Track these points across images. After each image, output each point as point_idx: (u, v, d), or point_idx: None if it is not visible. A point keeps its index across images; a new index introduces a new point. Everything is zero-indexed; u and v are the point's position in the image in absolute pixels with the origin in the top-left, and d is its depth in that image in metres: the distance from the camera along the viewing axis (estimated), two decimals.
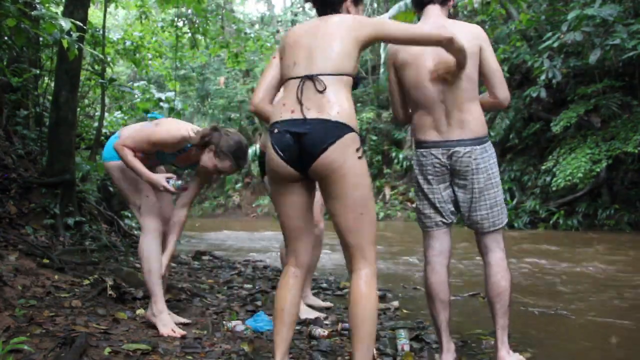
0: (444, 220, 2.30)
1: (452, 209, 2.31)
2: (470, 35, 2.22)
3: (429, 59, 2.21)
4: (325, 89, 1.83)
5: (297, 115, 1.84)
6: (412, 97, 2.29)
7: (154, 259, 2.70)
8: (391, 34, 1.94)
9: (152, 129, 2.69)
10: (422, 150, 2.30)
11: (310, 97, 1.84)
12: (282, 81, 2.01)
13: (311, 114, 1.82)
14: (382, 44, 15.10)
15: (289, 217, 1.96)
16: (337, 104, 1.82)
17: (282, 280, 1.98)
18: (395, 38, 1.97)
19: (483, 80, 2.31)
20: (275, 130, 1.87)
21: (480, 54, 2.23)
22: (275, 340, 1.94)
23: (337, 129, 1.80)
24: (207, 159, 2.66)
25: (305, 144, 1.81)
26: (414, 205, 15.37)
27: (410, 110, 2.38)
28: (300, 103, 1.84)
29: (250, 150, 18.33)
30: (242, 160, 2.67)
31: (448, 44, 1.96)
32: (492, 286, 2.28)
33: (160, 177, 2.62)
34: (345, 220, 1.86)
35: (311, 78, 1.85)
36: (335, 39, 1.88)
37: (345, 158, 1.81)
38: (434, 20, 2.29)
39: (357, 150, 1.84)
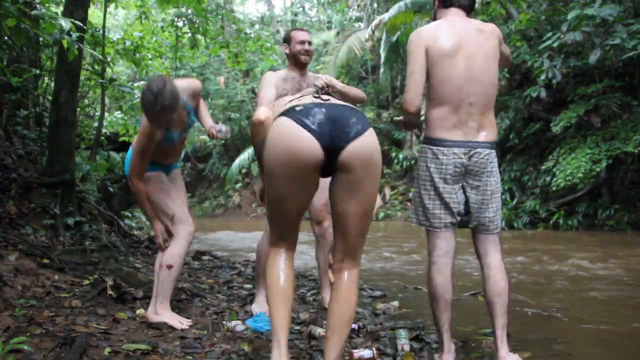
0: (453, 221, 2.31)
1: (462, 210, 2.31)
2: (495, 38, 2.30)
3: (473, 57, 2.22)
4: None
5: (319, 101, 1.79)
6: (438, 92, 2.25)
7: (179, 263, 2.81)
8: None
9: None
10: (442, 148, 2.26)
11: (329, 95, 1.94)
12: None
13: (334, 101, 1.83)
14: (382, 44, 15.11)
15: (294, 208, 1.86)
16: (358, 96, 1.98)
17: (272, 261, 1.89)
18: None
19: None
20: (299, 108, 1.74)
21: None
22: (277, 325, 1.80)
23: (365, 118, 1.79)
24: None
25: (339, 122, 1.69)
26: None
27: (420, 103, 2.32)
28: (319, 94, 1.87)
29: (250, 151, 18.34)
30: (156, 101, 2.40)
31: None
32: (493, 287, 2.30)
33: (158, 232, 2.80)
34: (356, 213, 1.80)
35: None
36: None
37: (376, 147, 1.76)
38: (452, 19, 2.32)
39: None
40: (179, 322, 2.70)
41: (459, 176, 2.28)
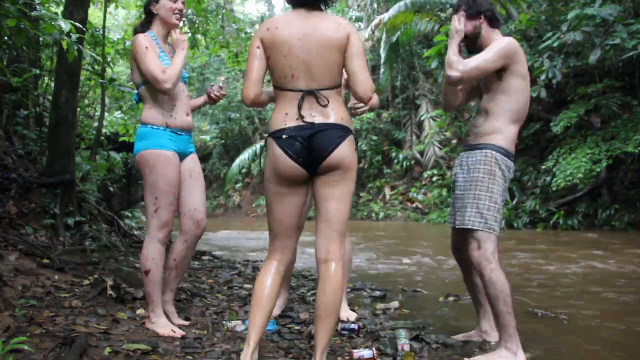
0: None
1: None
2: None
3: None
4: (327, 103, 2.03)
5: (304, 122, 2.01)
6: (520, 108, 2.48)
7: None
8: (349, 63, 2.05)
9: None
10: (511, 162, 2.48)
11: (314, 107, 2.03)
12: (275, 86, 2.10)
13: (318, 120, 2.02)
14: (382, 44, 15.11)
15: (288, 216, 2.10)
16: (338, 113, 2.05)
17: (264, 271, 2.10)
18: (350, 65, 2.06)
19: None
20: (284, 136, 2.02)
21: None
22: (252, 326, 2.02)
23: (342, 130, 2.04)
24: (161, 11, 2.77)
25: (315, 144, 1.99)
26: (414, 206, 15.43)
27: (496, 117, 2.48)
28: (303, 114, 2.02)
29: (250, 151, 18.34)
30: None
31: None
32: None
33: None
34: (338, 207, 2.05)
35: (313, 93, 2.02)
36: (329, 53, 2.01)
37: (353, 154, 2.06)
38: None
39: (355, 150, 2.10)
40: (172, 330, 2.61)
41: None
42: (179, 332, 2.60)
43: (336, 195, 2.04)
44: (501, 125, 2.45)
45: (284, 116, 2.03)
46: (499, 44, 2.41)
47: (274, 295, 2.07)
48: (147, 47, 2.65)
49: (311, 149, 1.99)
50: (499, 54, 2.38)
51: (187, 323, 2.86)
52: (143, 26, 2.83)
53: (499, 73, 2.43)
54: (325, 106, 2.02)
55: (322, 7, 2.10)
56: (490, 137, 2.45)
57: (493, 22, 2.52)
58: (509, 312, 2.33)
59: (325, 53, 2.00)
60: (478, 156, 2.45)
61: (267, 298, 2.04)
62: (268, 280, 2.06)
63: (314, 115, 2.01)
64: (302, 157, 2.00)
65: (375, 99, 3.24)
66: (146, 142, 2.67)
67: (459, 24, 2.48)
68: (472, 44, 2.55)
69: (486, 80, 2.52)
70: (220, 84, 2.96)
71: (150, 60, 2.61)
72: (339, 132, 2.01)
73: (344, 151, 2.01)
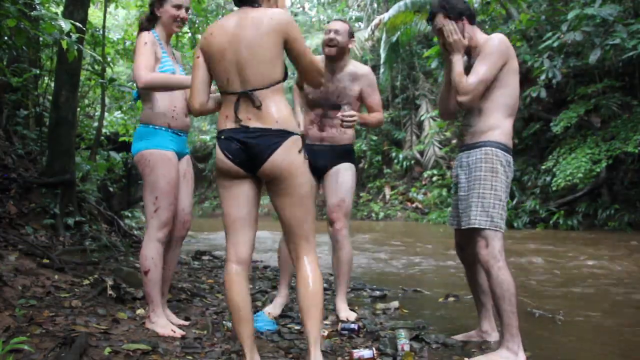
0: None
1: None
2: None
3: None
4: (261, 104, 1.99)
5: (240, 126, 2.01)
6: (514, 102, 2.45)
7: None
8: (295, 47, 2.04)
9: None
10: (511, 157, 2.46)
11: (250, 109, 2.01)
12: (219, 91, 2.13)
13: (253, 124, 2.00)
14: (382, 44, 15.11)
15: (234, 208, 2.09)
16: (275, 113, 2.00)
17: (227, 280, 2.09)
18: (295, 52, 2.06)
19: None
20: (222, 137, 2.06)
21: None
22: (241, 339, 2.06)
23: (279, 136, 1.99)
24: (165, 15, 2.74)
25: (251, 150, 1.99)
26: (414, 206, 15.41)
27: (490, 113, 2.46)
28: (239, 117, 2.01)
29: None
30: None
31: None
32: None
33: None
34: (293, 214, 2.05)
35: (247, 94, 2.00)
36: (260, 50, 1.97)
37: (291, 159, 2.00)
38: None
39: (300, 151, 2.03)
40: (172, 330, 2.61)
41: None
42: (179, 332, 2.60)
43: (287, 203, 2.05)
44: (497, 120, 2.43)
45: (225, 119, 2.07)
46: (494, 46, 2.39)
47: (247, 299, 2.07)
48: (146, 43, 2.65)
49: (248, 153, 2.00)
50: (497, 57, 2.38)
51: (187, 323, 2.86)
52: (149, 22, 2.81)
53: None
54: (259, 107, 1.99)
55: (256, 3, 2.08)
56: (487, 134, 2.43)
57: (472, 20, 2.51)
58: (513, 311, 2.32)
59: (256, 50, 1.97)
60: (478, 154, 2.44)
61: (241, 306, 2.05)
62: (234, 289, 2.06)
63: (250, 118, 2.00)
64: (239, 158, 2.02)
65: (380, 115, 3.26)
66: (147, 141, 2.67)
67: (456, 36, 2.45)
68: None
69: None
70: None
71: (141, 56, 2.61)
72: (272, 138, 1.98)
73: (278, 159, 1.98)
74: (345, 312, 3.12)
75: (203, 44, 2.09)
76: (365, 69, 3.25)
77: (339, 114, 3.00)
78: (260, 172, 2.03)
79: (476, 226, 2.40)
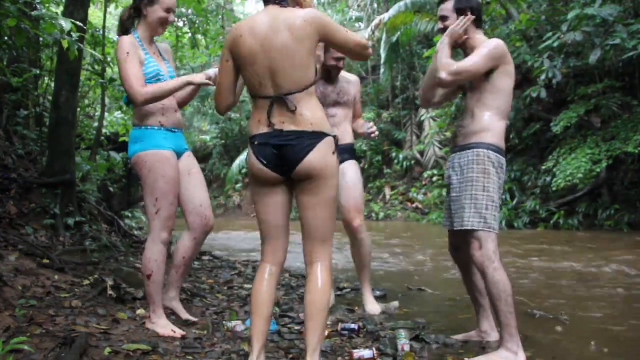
0: None
1: None
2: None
3: None
4: (296, 108, 1.98)
5: (273, 129, 2.01)
6: (506, 105, 2.48)
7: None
8: (336, 40, 2.05)
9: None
10: (503, 159, 2.47)
11: (284, 113, 2.00)
12: (249, 93, 2.12)
13: (287, 127, 1.99)
14: (382, 44, 15.10)
15: (271, 216, 2.11)
16: (309, 116, 1.99)
17: (258, 276, 2.12)
18: (337, 44, 2.08)
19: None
20: (256, 142, 2.06)
21: None
22: (253, 333, 2.06)
23: (314, 138, 1.99)
24: (151, 16, 2.66)
25: (286, 153, 1.99)
26: (414, 206, 15.41)
27: (482, 115, 2.47)
28: (273, 122, 2.00)
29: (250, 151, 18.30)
30: None
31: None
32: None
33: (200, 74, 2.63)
34: (316, 216, 2.04)
35: (281, 98, 1.98)
36: (295, 55, 1.96)
37: (326, 161, 2.00)
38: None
39: (333, 153, 2.03)
40: (172, 330, 2.60)
41: None
42: (179, 332, 2.61)
43: (312, 203, 2.04)
44: (489, 122, 2.44)
45: (257, 123, 2.06)
46: (488, 47, 2.42)
47: (271, 299, 2.10)
48: (127, 53, 2.57)
49: (282, 156, 2.00)
50: (488, 57, 2.40)
51: (195, 319, 2.87)
52: (130, 19, 2.74)
53: (487, 73, 2.44)
54: (293, 111, 1.98)
55: (285, 1, 2.06)
56: (479, 136, 2.44)
57: (478, 22, 2.54)
58: (510, 311, 2.32)
59: (289, 53, 1.95)
60: (470, 156, 2.44)
61: (264, 303, 2.07)
62: (263, 286, 2.08)
63: (284, 122, 2.00)
64: (273, 162, 2.02)
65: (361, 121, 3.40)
66: (142, 143, 2.66)
67: (458, 27, 2.49)
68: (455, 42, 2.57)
69: (472, 80, 2.51)
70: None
71: (129, 68, 2.54)
72: (307, 140, 1.98)
73: (313, 160, 1.98)
74: (372, 305, 3.32)
75: (232, 45, 2.05)
76: (355, 77, 3.55)
77: (365, 130, 3.25)
78: (294, 174, 2.02)
79: (469, 227, 2.41)
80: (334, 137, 2.05)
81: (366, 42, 2.11)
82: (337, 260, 5.83)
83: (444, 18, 2.58)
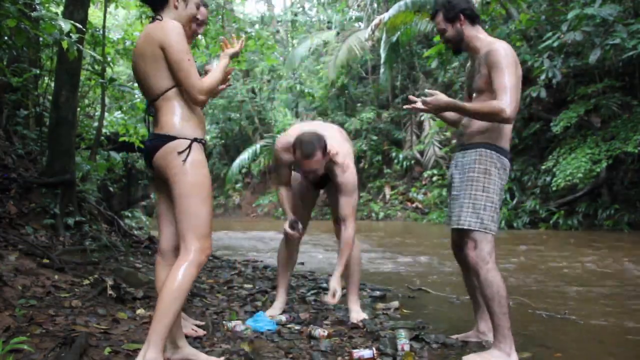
0: None
1: None
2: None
3: None
4: (156, 112, 2.12)
5: (151, 132, 2.19)
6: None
7: None
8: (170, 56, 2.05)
9: None
10: (507, 159, 2.45)
11: (155, 116, 2.17)
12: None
13: (155, 130, 2.14)
14: (382, 44, 15.10)
15: (159, 205, 2.26)
16: (163, 121, 2.09)
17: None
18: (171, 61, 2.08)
19: None
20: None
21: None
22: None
23: (159, 141, 2.08)
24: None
25: (147, 148, 2.16)
26: (414, 206, 15.40)
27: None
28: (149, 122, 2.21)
29: (250, 151, 18.34)
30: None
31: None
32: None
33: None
34: (178, 210, 2.06)
35: (151, 104, 2.16)
36: (149, 62, 2.07)
37: (167, 163, 2.06)
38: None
39: (180, 154, 2.03)
40: (193, 329, 2.63)
41: None
42: (200, 331, 2.63)
43: (170, 196, 2.11)
44: (495, 123, 2.40)
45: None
46: (502, 57, 2.32)
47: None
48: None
49: (146, 152, 2.16)
50: (512, 68, 2.32)
51: (202, 323, 2.86)
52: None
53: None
54: (156, 116, 2.12)
55: (160, 15, 2.12)
56: (483, 136, 2.43)
57: (474, 20, 2.49)
58: (503, 312, 2.32)
59: (147, 63, 2.07)
60: (473, 155, 2.43)
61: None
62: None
63: (155, 125, 2.16)
64: (146, 157, 2.19)
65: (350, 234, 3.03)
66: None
67: (429, 105, 2.47)
68: (456, 45, 2.56)
69: (477, 81, 2.48)
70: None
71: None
72: (157, 141, 2.09)
73: (159, 161, 2.09)
74: (357, 314, 3.11)
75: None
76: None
77: None
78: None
79: (465, 227, 2.40)
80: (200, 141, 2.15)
81: (199, 86, 2.09)
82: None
83: (442, 32, 2.55)
